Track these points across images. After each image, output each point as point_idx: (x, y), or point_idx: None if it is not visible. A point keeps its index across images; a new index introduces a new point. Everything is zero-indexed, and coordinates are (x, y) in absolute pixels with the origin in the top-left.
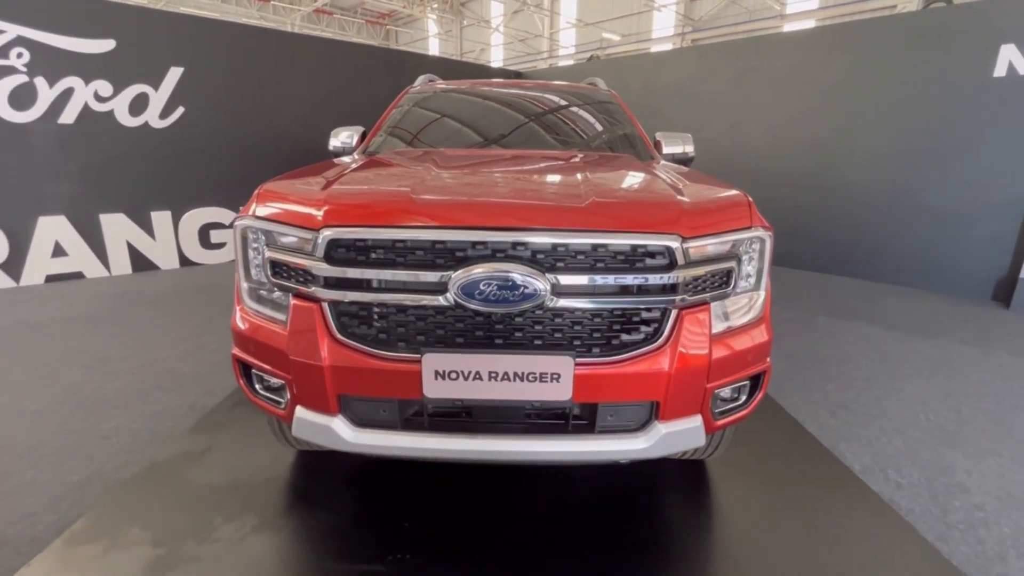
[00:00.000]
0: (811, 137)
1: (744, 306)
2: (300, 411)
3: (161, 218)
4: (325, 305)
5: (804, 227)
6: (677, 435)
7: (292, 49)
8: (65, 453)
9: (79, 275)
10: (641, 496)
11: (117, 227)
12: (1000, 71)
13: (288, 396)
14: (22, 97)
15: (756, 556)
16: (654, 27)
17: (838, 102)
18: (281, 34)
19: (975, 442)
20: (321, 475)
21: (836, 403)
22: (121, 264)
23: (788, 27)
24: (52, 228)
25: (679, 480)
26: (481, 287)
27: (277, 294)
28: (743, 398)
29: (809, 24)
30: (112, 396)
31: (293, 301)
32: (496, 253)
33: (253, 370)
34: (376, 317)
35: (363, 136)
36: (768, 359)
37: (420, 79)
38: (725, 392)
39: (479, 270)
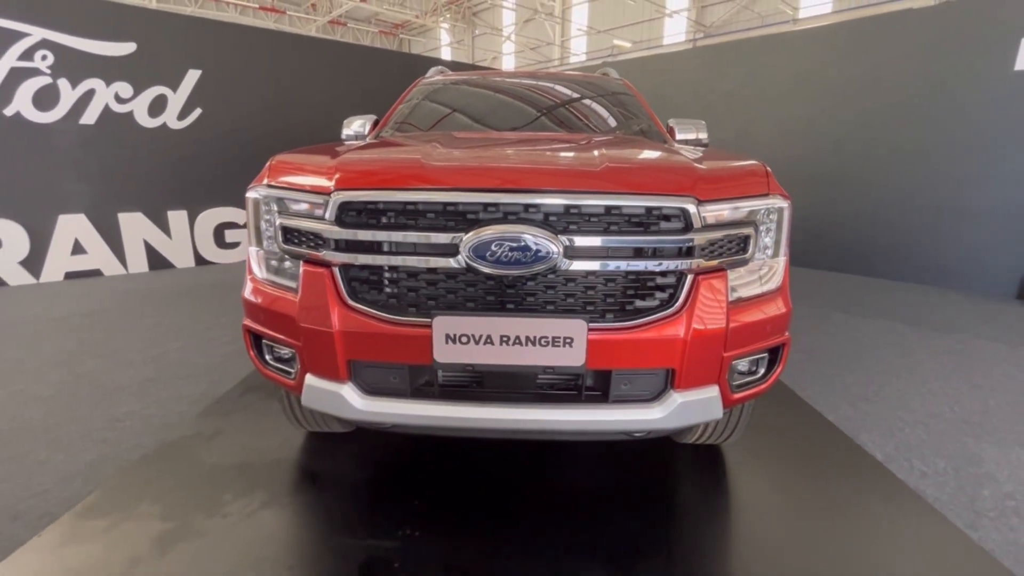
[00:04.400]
0: (827, 134)
1: (762, 275)
2: (310, 379)
3: (177, 217)
4: (336, 270)
5: (821, 226)
6: (693, 405)
7: (307, 52)
8: (78, 435)
9: (97, 272)
10: (656, 479)
11: (135, 226)
12: (1021, 64)
13: (298, 366)
14: (46, 98)
15: (778, 539)
16: (665, 34)
17: (855, 99)
18: (296, 37)
19: (1003, 434)
20: (330, 456)
21: (857, 396)
22: (138, 262)
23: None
24: (72, 226)
25: (696, 466)
26: (492, 248)
27: (288, 263)
28: (761, 371)
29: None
30: (125, 384)
31: (304, 267)
32: (508, 215)
33: (264, 340)
34: (387, 282)
35: (375, 124)
36: (787, 332)
37: (432, 70)
38: (743, 365)
39: (490, 231)
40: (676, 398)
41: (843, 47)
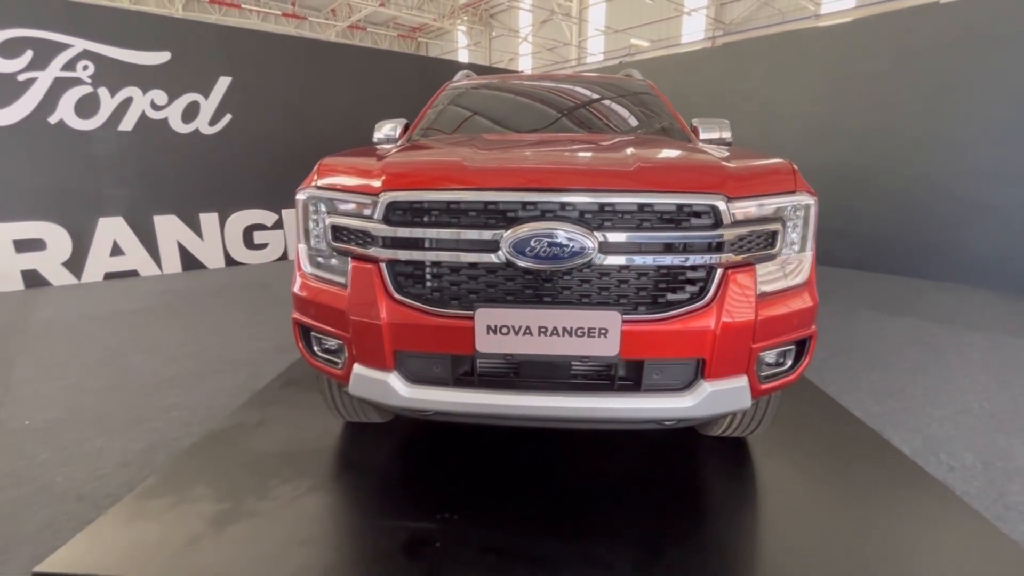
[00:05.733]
0: (851, 130)
1: (789, 270)
2: (358, 368)
3: (209, 220)
4: (383, 266)
5: (846, 224)
6: (723, 394)
7: (333, 58)
8: (129, 424)
9: (134, 273)
10: (684, 469)
11: (169, 228)
12: None
13: (345, 356)
14: (87, 106)
15: (804, 528)
16: (683, 32)
17: (879, 95)
18: (323, 44)
19: None
20: (370, 445)
21: (883, 392)
22: (172, 263)
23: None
24: (111, 229)
25: (722, 458)
26: (531, 244)
27: (335, 260)
28: (789, 363)
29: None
30: (169, 377)
31: (352, 263)
32: (545, 213)
33: (313, 333)
34: (430, 276)
35: (406, 128)
36: (813, 325)
37: (459, 74)
38: (771, 356)
39: (528, 228)
40: (706, 387)
41: (866, 43)
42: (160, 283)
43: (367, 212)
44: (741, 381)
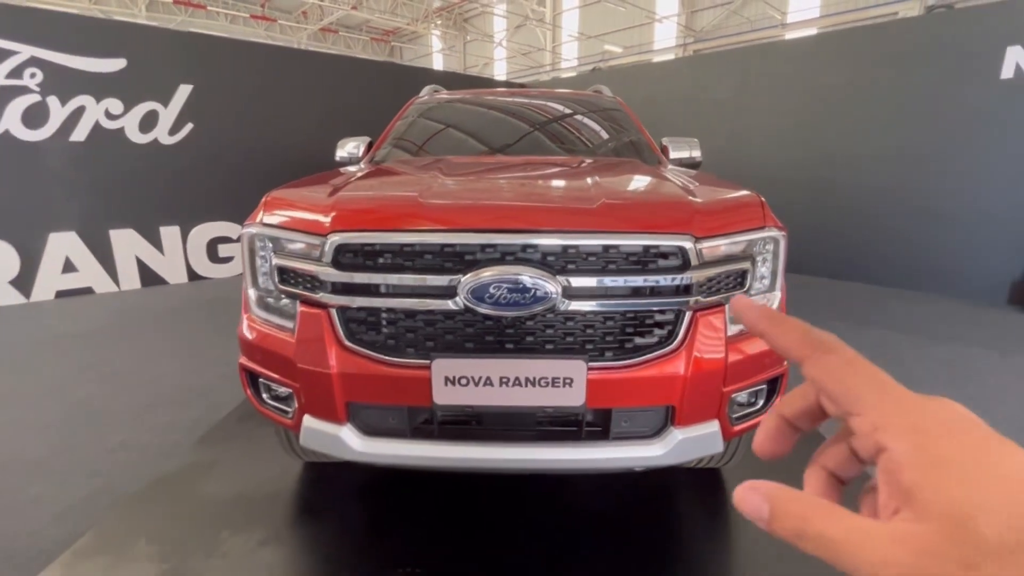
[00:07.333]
0: (818, 142)
1: None
2: (308, 420)
3: (170, 233)
4: (333, 311)
5: (813, 232)
6: (694, 441)
7: (299, 65)
8: (71, 468)
9: (89, 290)
10: (657, 506)
11: (127, 242)
12: (1007, 73)
13: (296, 405)
14: (35, 116)
15: (781, 563)
16: (655, 39)
17: (844, 107)
18: (288, 51)
19: None
20: (329, 487)
21: None
22: (130, 279)
23: (789, 36)
24: (63, 244)
25: (698, 489)
26: (491, 290)
27: (285, 302)
28: (761, 402)
29: (810, 32)
30: (119, 410)
31: (301, 308)
32: (506, 256)
33: (260, 379)
34: (385, 323)
35: (369, 146)
36: (786, 362)
37: (425, 90)
38: (742, 396)
39: (489, 273)
40: (676, 435)
41: (833, 56)
42: (117, 301)
43: (315, 254)
44: (712, 427)
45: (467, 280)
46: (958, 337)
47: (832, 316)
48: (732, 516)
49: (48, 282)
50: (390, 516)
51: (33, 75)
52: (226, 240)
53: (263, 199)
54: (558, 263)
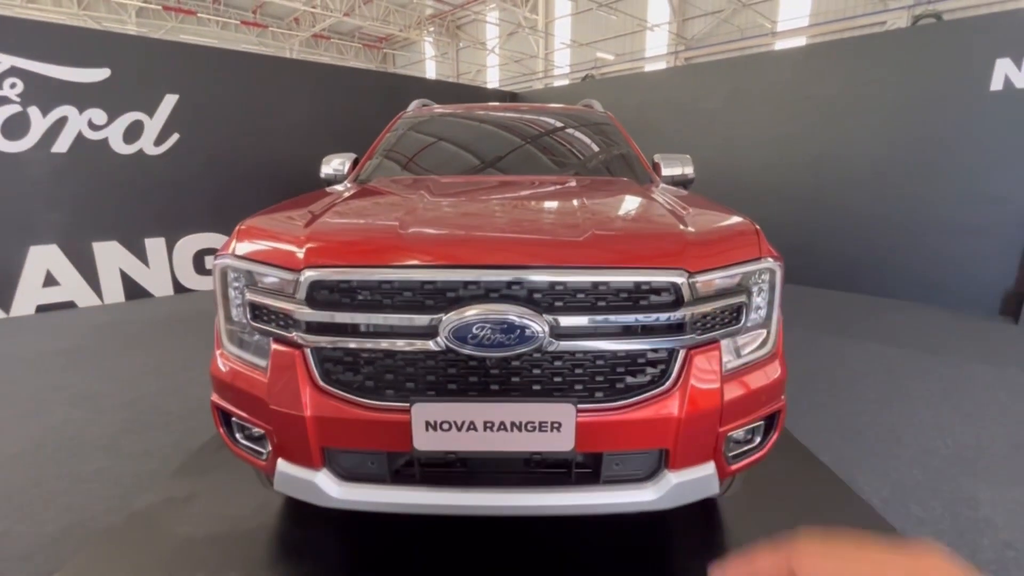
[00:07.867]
0: (809, 153)
1: (756, 342)
2: (282, 464)
3: (155, 245)
4: (308, 351)
5: (805, 243)
6: (689, 484)
7: (286, 75)
8: (42, 501)
9: (71, 304)
10: (651, 536)
11: (110, 255)
12: (996, 84)
13: (270, 447)
14: (15, 127)
15: None
16: (647, 46)
17: (835, 118)
18: (275, 60)
19: (997, 471)
20: (309, 523)
21: (849, 429)
22: (114, 292)
23: (779, 44)
24: (44, 257)
25: (691, 518)
26: (474, 330)
27: (258, 338)
28: (757, 439)
29: (800, 41)
30: (95, 436)
31: (274, 346)
32: (490, 293)
33: (233, 418)
34: (362, 363)
35: (355, 163)
36: (783, 397)
37: (413, 104)
38: (738, 434)
39: (472, 312)
40: (671, 478)
41: (823, 68)
42: (100, 315)
43: (288, 290)
44: (708, 468)
45: (449, 319)
46: (953, 351)
47: (827, 330)
48: (727, 545)
49: (28, 296)
50: (372, 555)
51: (13, 85)
52: (213, 251)
53: (236, 228)
54: (545, 300)
